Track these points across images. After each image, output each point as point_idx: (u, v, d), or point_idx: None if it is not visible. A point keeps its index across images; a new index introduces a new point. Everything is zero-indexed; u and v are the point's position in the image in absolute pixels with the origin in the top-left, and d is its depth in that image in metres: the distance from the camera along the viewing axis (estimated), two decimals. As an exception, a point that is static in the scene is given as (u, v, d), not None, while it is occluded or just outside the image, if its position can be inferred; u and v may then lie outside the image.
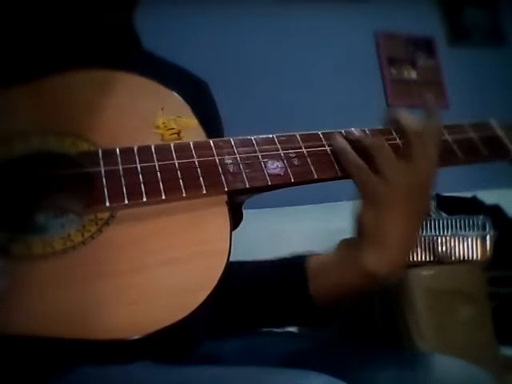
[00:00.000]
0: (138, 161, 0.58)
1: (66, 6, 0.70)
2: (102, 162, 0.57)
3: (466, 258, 1.46)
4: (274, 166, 0.61)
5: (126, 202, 0.55)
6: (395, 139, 0.64)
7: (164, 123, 0.63)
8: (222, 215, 0.58)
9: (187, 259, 0.54)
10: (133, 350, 0.52)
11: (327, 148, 0.64)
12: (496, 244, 1.47)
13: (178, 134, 0.62)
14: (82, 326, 0.50)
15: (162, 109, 0.64)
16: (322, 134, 0.65)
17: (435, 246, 1.46)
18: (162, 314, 0.51)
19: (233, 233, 0.58)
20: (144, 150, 0.59)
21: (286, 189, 0.62)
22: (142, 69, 0.66)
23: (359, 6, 2.28)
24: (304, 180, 0.62)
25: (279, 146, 0.63)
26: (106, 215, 0.55)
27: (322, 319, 0.70)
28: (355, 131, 0.64)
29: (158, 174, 0.57)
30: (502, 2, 2.60)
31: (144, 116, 0.63)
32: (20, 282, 0.50)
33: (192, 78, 0.83)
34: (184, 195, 0.57)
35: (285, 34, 2.15)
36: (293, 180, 0.61)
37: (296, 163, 0.62)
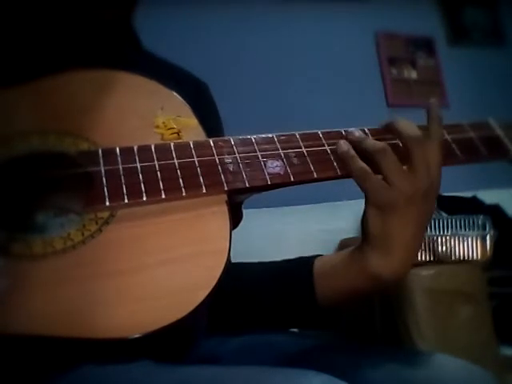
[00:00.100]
0: (137, 160, 0.58)
1: (65, 5, 0.70)
2: (101, 162, 0.57)
3: (465, 257, 1.47)
4: (274, 166, 0.61)
5: (126, 201, 0.55)
6: (395, 139, 0.64)
7: (164, 123, 0.63)
8: (222, 214, 0.58)
9: (187, 258, 0.54)
10: (133, 349, 0.52)
11: (327, 147, 0.64)
12: (496, 244, 1.47)
13: (178, 133, 0.62)
14: (82, 325, 0.50)
15: (162, 108, 0.64)
16: (322, 133, 0.65)
17: (435, 245, 1.46)
18: (162, 313, 0.51)
19: (233, 232, 0.58)
20: (144, 150, 0.59)
21: (285, 188, 0.62)
22: (141, 69, 0.66)
23: (359, 6, 2.28)
24: (304, 179, 0.62)
25: (279, 146, 0.63)
26: (105, 214, 0.55)
27: (327, 321, 0.70)
28: (355, 131, 0.64)
29: (158, 173, 0.57)
30: (502, 1, 2.60)
31: (144, 115, 0.63)
32: (20, 282, 0.50)
33: (192, 78, 0.83)
34: (184, 194, 0.57)
35: (285, 34, 2.16)
36: (292, 179, 0.61)
37: (296, 162, 0.62)
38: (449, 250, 1.46)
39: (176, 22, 1.93)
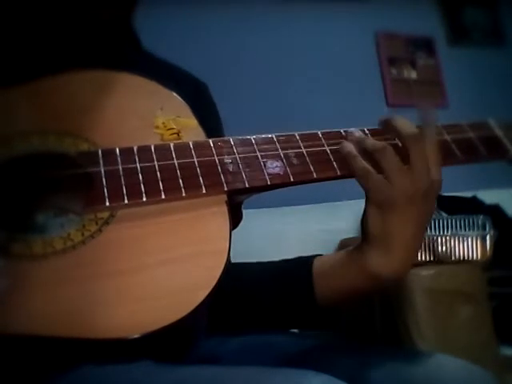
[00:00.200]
0: (137, 160, 0.58)
1: (64, 5, 0.70)
2: (101, 162, 0.57)
3: (466, 257, 1.46)
4: (274, 166, 0.61)
5: (126, 201, 0.55)
6: (395, 139, 0.64)
7: (163, 123, 0.63)
8: (222, 215, 0.58)
9: (187, 258, 0.54)
10: (133, 349, 0.53)
11: (326, 148, 0.64)
12: (496, 244, 1.47)
13: (178, 133, 0.63)
14: (82, 325, 0.50)
15: (162, 109, 0.64)
16: (322, 133, 0.65)
17: (435, 245, 1.46)
18: (162, 313, 0.51)
19: (233, 232, 0.58)
20: (144, 150, 0.59)
21: (285, 188, 0.63)
22: (141, 69, 0.66)
23: (359, 6, 2.28)
24: (303, 179, 0.62)
25: (278, 146, 0.63)
26: (105, 215, 0.55)
27: (326, 321, 0.70)
28: (355, 132, 0.64)
29: (158, 173, 0.57)
30: (502, 1, 2.60)
31: (143, 116, 0.63)
32: (20, 282, 0.50)
33: (191, 79, 0.83)
34: (184, 195, 0.57)
35: (285, 34, 2.15)
36: (292, 179, 0.61)
37: (295, 163, 0.62)
38: (449, 250, 1.46)
39: (176, 22, 1.93)
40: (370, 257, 0.63)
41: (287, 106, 2.03)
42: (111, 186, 0.56)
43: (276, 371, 0.55)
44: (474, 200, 1.98)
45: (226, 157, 0.60)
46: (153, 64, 0.80)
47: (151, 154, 0.59)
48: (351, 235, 1.55)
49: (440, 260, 1.46)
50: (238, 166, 0.60)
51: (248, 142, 0.63)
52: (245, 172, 0.60)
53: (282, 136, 0.64)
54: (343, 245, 1.59)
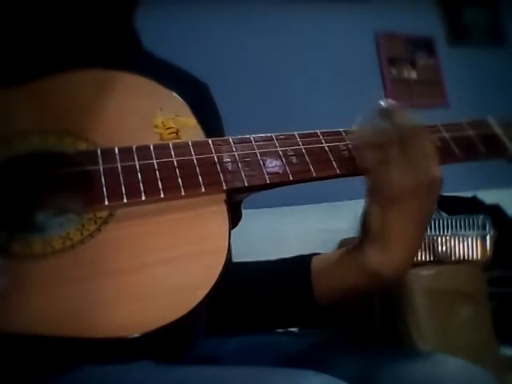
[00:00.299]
0: (136, 159, 0.58)
1: (64, 5, 0.70)
2: (100, 161, 0.57)
3: (465, 257, 1.46)
4: (273, 165, 0.61)
5: (125, 200, 0.55)
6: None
7: (163, 122, 0.63)
8: (221, 214, 0.58)
9: (186, 258, 0.54)
10: (132, 348, 0.53)
11: (326, 147, 0.64)
12: (496, 244, 1.47)
13: (177, 133, 0.62)
14: (82, 324, 0.50)
15: (161, 108, 0.64)
16: (321, 133, 0.65)
17: (435, 245, 1.45)
18: (162, 312, 0.51)
19: (232, 232, 0.58)
20: (143, 149, 0.59)
21: (285, 188, 0.63)
22: (141, 69, 0.66)
23: (359, 6, 2.28)
24: (303, 178, 0.62)
25: (278, 145, 0.63)
26: (104, 214, 0.55)
27: (325, 319, 0.70)
28: (355, 128, 0.65)
29: (157, 172, 0.57)
30: (502, 1, 2.60)
31: (143, 115, 0.63)
32: (20, 281, 0.50)
33: (191, 79, 0.83)
34: (183, 194, 0.57)
35: (285, 34, 2.16)
36: (291, 178, 0.61)
37: (295, 162, 0.62)
38: (449, 250, 1.46)
39: (176, 21, 1.93)
40: (369, 255, 0.63)
41: (287, 105, 2.03)
42: (110, 185, 0.56)
43: (276, 371, 0.55)
44: (474, 200, 1.98)
45: (225, 156, 0.60)
46: (153, 64, 0.80)
47: (150, 153, 0.59)
48: (351, 235, 1.54)
49: (440, 260, 1.45)
50: (237, 164, 0.60)
51: (247, 141, 0.63)
52: (244, 171, 0.60)
53: (281, 135, 0.64)
54: (343, 245, 1.58)
